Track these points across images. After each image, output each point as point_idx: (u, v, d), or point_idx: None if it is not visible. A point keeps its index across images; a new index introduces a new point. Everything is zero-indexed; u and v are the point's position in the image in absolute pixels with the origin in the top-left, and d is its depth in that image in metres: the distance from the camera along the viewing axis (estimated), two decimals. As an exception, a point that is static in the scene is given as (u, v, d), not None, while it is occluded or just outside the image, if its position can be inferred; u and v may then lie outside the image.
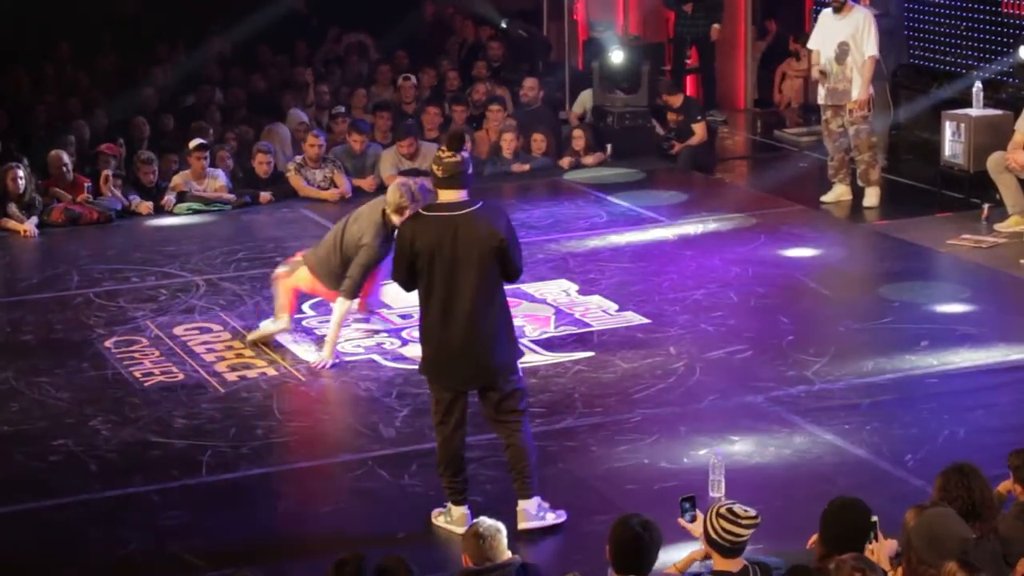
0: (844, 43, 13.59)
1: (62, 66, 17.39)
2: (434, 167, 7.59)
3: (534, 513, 7.78)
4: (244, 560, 7.40)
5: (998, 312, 11.18)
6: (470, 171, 7.62)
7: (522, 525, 7.68)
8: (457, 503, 7.91)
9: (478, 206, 7.59)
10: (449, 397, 7.77)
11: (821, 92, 13.95)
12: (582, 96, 17.03)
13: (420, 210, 7.74)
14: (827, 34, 13.78)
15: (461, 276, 7.53)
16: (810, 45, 14.22)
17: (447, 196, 7.59)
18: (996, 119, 13.66)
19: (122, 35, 18.18)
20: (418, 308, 7.80)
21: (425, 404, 9.52)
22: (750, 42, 18.68)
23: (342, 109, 16.31)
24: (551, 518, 7.84)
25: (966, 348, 10.30)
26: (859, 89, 13.66)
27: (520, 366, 7.88)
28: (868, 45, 13.61)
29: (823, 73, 13.75)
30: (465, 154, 7.59)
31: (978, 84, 13.95)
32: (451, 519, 7.90)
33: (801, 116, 17.91)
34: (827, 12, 13.94)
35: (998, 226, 12.90)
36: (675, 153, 15.92)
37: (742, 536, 6.00)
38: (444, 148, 7.58)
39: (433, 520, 7.98)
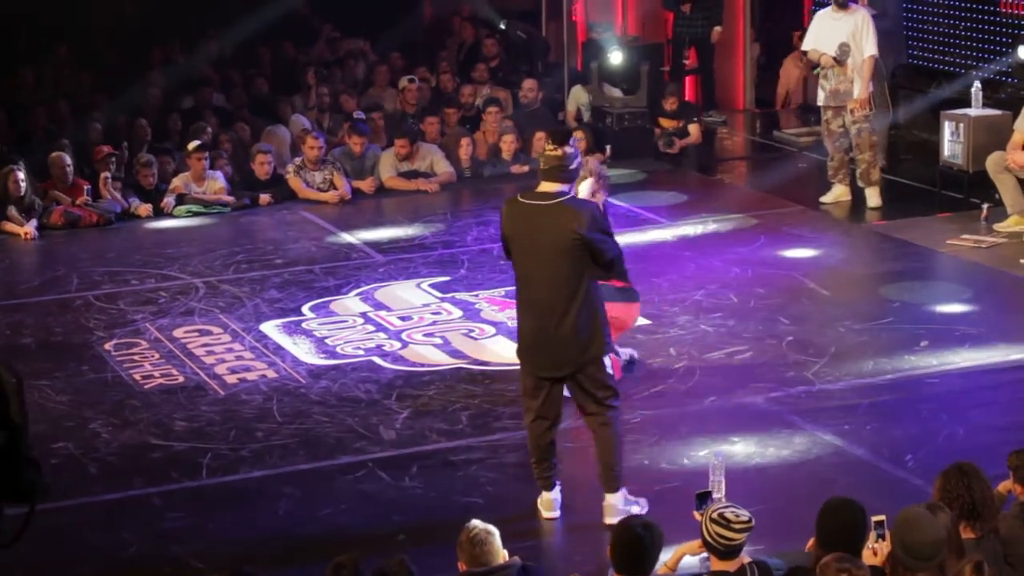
0: (844, 43, 13.57)
1: (61, 68, 17.38)
2: (540, 158, 7.83)
3: (621, 507, 7.80)
4: (244, 562, 7.39)
5: (998, 312, 11.17)
6: (572, 167, 7.74)
7: (608, 520, 7.69)
8: (544, 488, 8.00)
9: (565, 199, 7.70)
10: (531, 384, 7.89)
11: (821, 94, 13.93)
12: (574, 92, 17.04)
13: (518, 195, 7.88)
14: (825, 34, 13.75)
15: (540, 265, 7.67)
16: (805, 46, 14.18)
17: (544, 187, 7.75)
18: (995, 119, 13.66)
19: (121, 36, 18.16)
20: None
21: (425, 406, 9.58)
22: (748, 42, 18.68)
23: (362, 115, 16.15)
24: (635, 510, 7.83)
25: (966, 348, 10.31)
26: (859, 88, 13.64)
27: (607, 363, 7.95)
28: (867, 45, 13.59)
29: (837, 60, 13.60)
30: (569, 149, 7.72)
31: (977, 84, 13.94)
32: (542, 503, 8.02)
33: (800, 116, 17.91)
34: (825, 12, 13.91)
35: (997, 226, 12.89)
36: (677, 152, 15.94)
37: (736, 540, 6.05)
38: (549, 141, 7.79)
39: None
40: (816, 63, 13.99)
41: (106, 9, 18.34)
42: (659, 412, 9.40)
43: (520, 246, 7.75)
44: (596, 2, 18.40)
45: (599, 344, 7.78)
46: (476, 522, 6.19)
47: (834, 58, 13.58)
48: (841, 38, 13.58)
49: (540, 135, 15.61)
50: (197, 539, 7.90)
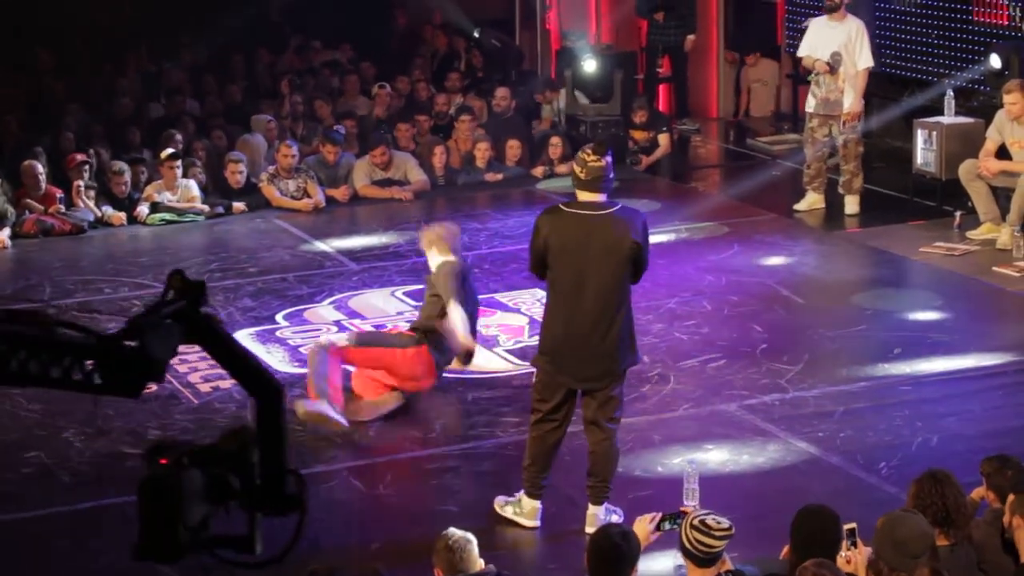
0: (836, 53, 13.58)
1: (37, 76, 17.33)
2: (577, 169, 7.78)
3: (602, 517, 7.80)
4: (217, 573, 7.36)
5: (970, 319, 11.20)
6: (612, 176, 7.80)
7: (591, 529, 7.67)
8: (532, 496, 7.96)
9: (616, 209, 7.74)
10: (560, 395, 7.82)
11: (811, 100, 13.93)
12: (563, 90, 17.07)
13: (560, 206, 7.83)
14: (821, 42, 13.75)
15: (591, 277, 7.62)
16: (800, 52, 14.19)
17: (587, 197, 7.75)
18: (968, 127, 13.69)
19: (99, 44, 18.11)
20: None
21: (396, 415, 9.53)
22: (722, 51, 18.71)
23: (342, 129, 16.00)
24: (615, 519, 7.83)
25: (939, 355, 10.33)
26: (852, 100, 13.65)
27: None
28: (861, 56, 13.61)
29: (830, 67, 13.59)
30: (608, 159, 7.76)
31: (950, 92, 13.98)
32: (520, 511, 7.97)
33: (773, 125, 17.95)
34: (820, 20, 13.93)
35: (970, 234, 12.92)
36: (643, 169, 15.94)
37: (715, 547, 6.03)
38: (590, 152, 7.77)
39: (498, 509, 8.01)
40: (810, 69, 14.01)
41: (81, 15, 18.27)
42: (633, 420, 9.37)
43: (568, 257, 7.67)
44: (570, 10, 18.45)
45: (634, 355, 7.85)
46: (453, 529, 6.18)
47: (827, 63, 13.61)
48: (833, 47, 13.59)
49: (512, 143, 15.65)
50: (170, 548, 7.85)
